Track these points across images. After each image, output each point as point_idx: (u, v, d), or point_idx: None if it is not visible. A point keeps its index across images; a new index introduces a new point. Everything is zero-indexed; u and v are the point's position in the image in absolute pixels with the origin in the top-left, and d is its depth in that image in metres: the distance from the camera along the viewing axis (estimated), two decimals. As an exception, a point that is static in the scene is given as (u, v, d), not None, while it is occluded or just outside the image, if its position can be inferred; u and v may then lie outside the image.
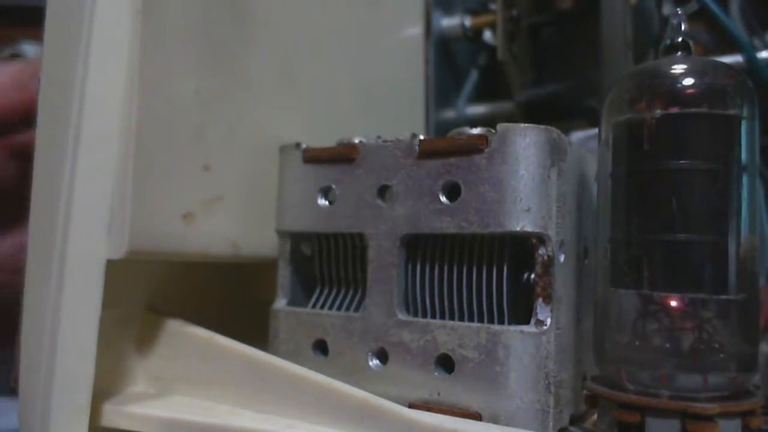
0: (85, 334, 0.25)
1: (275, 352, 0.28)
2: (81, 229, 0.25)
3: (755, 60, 0.38)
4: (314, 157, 0.29)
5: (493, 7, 0.49)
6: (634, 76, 0.25)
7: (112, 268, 0.25)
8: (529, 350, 0.24)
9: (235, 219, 0.31)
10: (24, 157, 0.34)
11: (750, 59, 0.39)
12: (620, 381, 0.23)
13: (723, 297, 0.23)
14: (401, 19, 0.46)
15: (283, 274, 0.30)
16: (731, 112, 0.23)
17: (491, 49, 0.50)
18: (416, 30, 0.46)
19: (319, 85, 0.36)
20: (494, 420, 0.24)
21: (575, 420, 0.26)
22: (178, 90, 0.29)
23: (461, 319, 0.25)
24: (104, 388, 0.27)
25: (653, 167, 0.23)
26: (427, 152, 0.26)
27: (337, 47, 0.38)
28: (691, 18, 0.26)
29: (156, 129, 0.27)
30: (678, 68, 0.24)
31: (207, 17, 0.30)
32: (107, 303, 0.25)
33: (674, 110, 0.23)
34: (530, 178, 0.24)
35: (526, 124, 0.24)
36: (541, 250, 0.24)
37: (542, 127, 0.24)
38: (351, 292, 0.29)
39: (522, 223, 0.24)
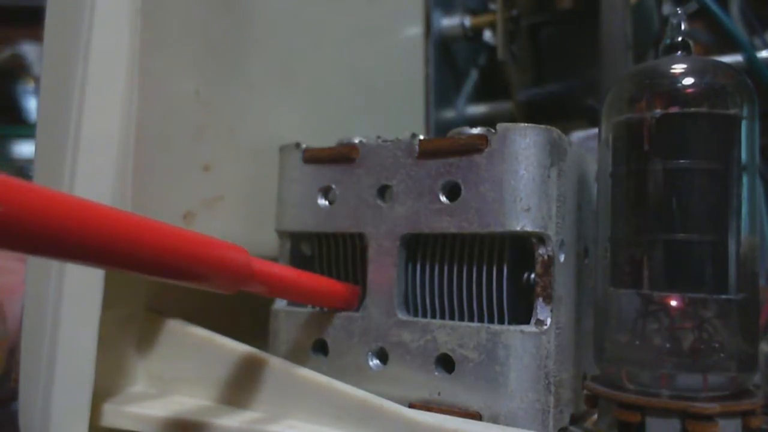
0: (85, 334, 0.25)
1: (275, 352, 0.28)
2: (81, 229, 0.25)
3: (755, 60, 0.38)
4: (314, 157, 0.29)
5: (493, 7, 0.49)
6: (634, 76, 0.25)
7: (112, 268, 0.25)
8: (529, 350, 0.24)
9: (235, 219, 0.31)
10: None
11: (750, 59, 0.39)
12: (620, 381, 0.23)
13: (723, 297, 0.23)
14: (401, 18, 0.46)
15: (283, 274, 0.30)
16: (731, 111, 0.23)
17: (491, 49, 0.50)
18: (416, 30, 0.46)
19: (319, 85, 0.36)
20: (494, 420, 0.24)
21: (575, 420, 0.26)
22: (178, 90, 0.29)
23: (461, 319, 0.25)
24: (104, 388, 0.27)
25: (653, 167, 0.23)
26: (427, 152, 0.26)
27: (337, 47, 0.38)
28: (691, 18, 0.26)
29: (156, 129, 0.27)
30: (678, 68, 0.24)
31: (207, 17, 0.30)
32: (107, 303, 0.25)
33: (674, 110, 0.23)
34: (530, 178, 0.24)
35: (526, 124, 0.24)
36: (541, 250, 0.24)
37: (542, 127, 0.24)
38: (351, 292, 0.29)
39: (522, 223, 0.24)
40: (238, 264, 0.21)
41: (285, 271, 0.25)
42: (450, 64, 0.49)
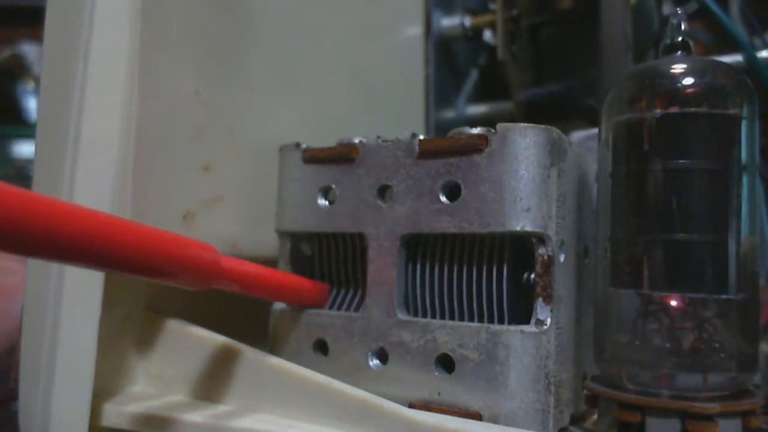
0: (85, 334, 0.25)
1: (275, 352, 0.28)
2: (81, 229, 0.25)
3: (755, 60, 0.38)
4: (314, 157, 0.29)
5: (493, 7, 0.49)
6: (634, 76, 0.25)
7: (112, 268, 0.25)
8: (529, 350, 0.24)
9: (235, 219, 0.31)
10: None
11: (750, 59, 0.39)
12: (620, 381, 0.23)
13: (723, 297, 0.23)
14: (401, 18, 0.46)
15: (283, 274, 0.30)
16: (731, 111, 0.23)
17: (491, 49, 0.50)
18: (416, 30, 0.46)
19: (319, 85, 0.36)
20: (494, 420, 0.24)
21: (575, 420, 0.26)
22: (178, 90, 0.29)
23: (461, 319, 0.25)
24: (104, 388, 0.27)
25: (653, 167, 0.23)
26: (427, 152, 0.26)
27: (336, 47, 0.38)
28: (691, 18, 0.26)
29: (156, 129, 0.27)
30: (678, 68, 0.24)
31: (207, 17, 0.30)
32: (107, 303, 0.25)
33: (674, 110, 0.23)
34: (530, 178, 0.24)
35: (526, 124, 0.24)
36: (541, 250, 0.24)
37: (542, 127, 0.24)
38: (351, 292, 0.29)
39: (522, 223, 0.24)
40: (206, 261, 0.21)
41: (254, 269, 0.25)
42: (450, 64, 0.49)
